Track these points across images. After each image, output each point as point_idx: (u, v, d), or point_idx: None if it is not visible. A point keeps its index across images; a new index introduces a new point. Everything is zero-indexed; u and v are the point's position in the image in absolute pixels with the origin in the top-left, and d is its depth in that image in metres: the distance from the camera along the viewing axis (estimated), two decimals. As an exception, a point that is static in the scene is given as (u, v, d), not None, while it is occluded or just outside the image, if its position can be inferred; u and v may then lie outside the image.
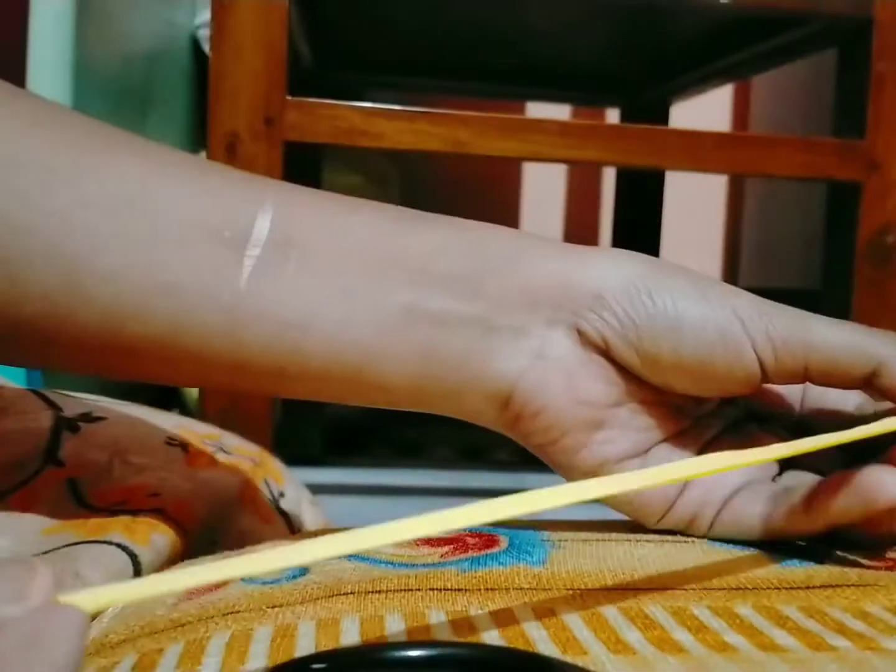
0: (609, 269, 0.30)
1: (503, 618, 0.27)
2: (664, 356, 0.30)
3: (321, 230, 0.29)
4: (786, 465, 0.33)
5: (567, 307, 0.30)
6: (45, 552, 0.30)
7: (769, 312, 0.30)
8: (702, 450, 0.32)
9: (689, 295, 0.30)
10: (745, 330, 0.29)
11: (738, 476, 0.31)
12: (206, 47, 1.06)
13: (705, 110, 1.43)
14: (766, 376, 0.30)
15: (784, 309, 0.30)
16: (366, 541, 0.21)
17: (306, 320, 0.29)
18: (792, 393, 0.34)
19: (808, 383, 0.32)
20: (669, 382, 0.31)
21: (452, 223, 0.31)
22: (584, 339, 0.30)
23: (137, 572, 0.31)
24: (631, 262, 0.30)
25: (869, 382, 0.30)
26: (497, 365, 0.30)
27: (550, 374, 0.30)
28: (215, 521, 0.36)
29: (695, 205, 1.57)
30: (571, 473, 0.31)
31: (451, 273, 0.30)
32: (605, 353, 0.30)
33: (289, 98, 0.64)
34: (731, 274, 1.59)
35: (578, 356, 0.30)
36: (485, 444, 1.39)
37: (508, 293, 0.30)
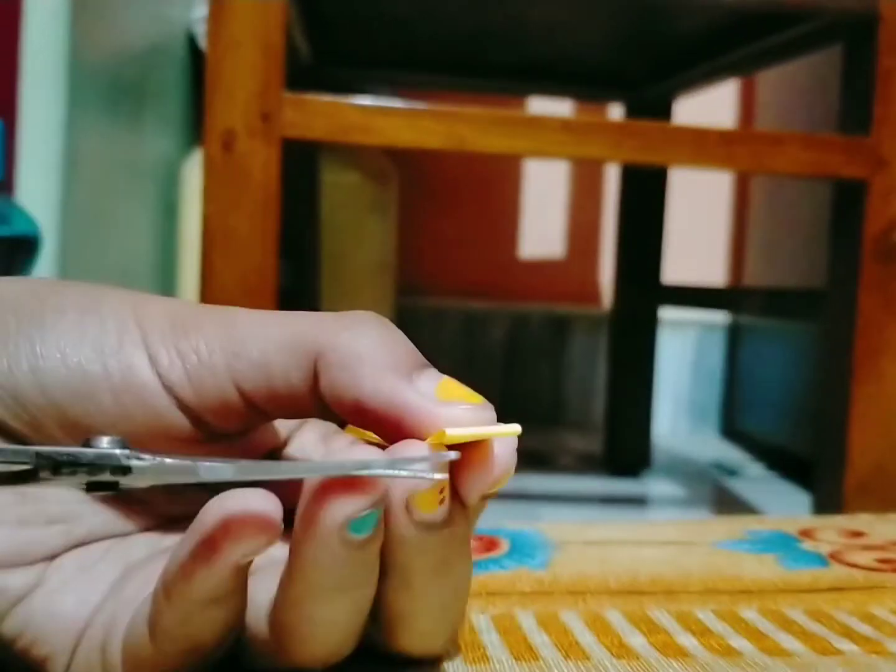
0: None
1: (505, 622, 0.26)
2: (36, 401, 0.20)
3: None
4: None
5: None
6: None
7: (185, 317, 0.21)
8: None
9: (68, 312, 0.21)
10: (143, 342, 0.21)
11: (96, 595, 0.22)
12: (202, 43, 1.06)
13: (710, 106, 1.42)
14: (193, 413, 0.21)
15: (210, 310, 0.21)
16: None
17: None
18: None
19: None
20: (53, 432, 0.21)
21: None
22: None
23: None
24: None
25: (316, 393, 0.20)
26: None
27: None
28: None
29: (699, 203, 1.56)
30: None
31: None
32: None
33: (286, 94, 0.64)
34: (737, 273, 1.59)
35: None
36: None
37: None
